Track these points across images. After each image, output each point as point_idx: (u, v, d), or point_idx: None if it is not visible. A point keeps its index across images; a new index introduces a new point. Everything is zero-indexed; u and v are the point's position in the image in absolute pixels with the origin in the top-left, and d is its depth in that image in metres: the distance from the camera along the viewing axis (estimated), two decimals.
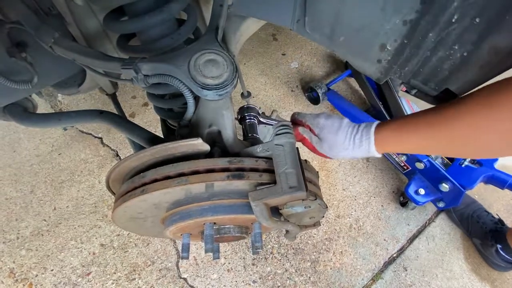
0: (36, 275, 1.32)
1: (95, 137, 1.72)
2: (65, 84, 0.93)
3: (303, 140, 0.71)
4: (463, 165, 1.35)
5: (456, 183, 1.28)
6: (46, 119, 0.85)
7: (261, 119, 0.65)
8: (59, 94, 1.83)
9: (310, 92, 1.80)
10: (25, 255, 1.36)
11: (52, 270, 1.33)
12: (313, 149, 0.70)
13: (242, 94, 1.21)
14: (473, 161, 1.38)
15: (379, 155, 0.63)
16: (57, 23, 0.67)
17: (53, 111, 1.69)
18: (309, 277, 1.37)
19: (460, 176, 1.31)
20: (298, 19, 0.85)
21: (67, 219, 1.45)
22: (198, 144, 0.53)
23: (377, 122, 0.64)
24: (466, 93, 0.52)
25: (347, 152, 0.64)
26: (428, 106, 0.71)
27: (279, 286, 1.34)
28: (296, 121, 0.72)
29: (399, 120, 0.60)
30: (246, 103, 0.69)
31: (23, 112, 0.86)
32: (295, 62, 2.06)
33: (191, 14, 0.68)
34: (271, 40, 2.16)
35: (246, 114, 0.64)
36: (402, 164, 1.48)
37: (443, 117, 0.51)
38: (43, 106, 1.78)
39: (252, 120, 0.63)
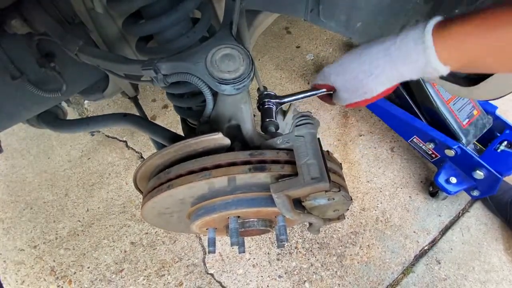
0: (75, 273, 1.40)
1: (120, 140, 1.80)
2: (91, 91, 0.98)
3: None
4: (498, 150, 1.26)
5: (492, 169, 1.20)
6: (76, 125, 0.90)
7: (280, 101, 0.63)
8: (85, 102, 1.93)
9: None
10: (63, 254, 1.45)
11: (88, 267, 1.41)
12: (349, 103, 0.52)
13: (258, 89, 1.21)
14: (509, 145, 1.28)
15: (445, 70, 0.38)
16: (81, 32, 0.70)
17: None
18: (336, 272, 1.34)
19: (496, 161, 1.22)
20: (312, 9, 0.83)
21: (99, 220, 1.53)
22: (219, 139, 0.53)
23: (435, 19, 0.40)
24: None
25: (381, 78, 0.42)
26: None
27: (305, 280, 1.33)
28: (317, 87, 0.59)
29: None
30: (264, 91, 0.68)
31: (55, 119, 0.91)
32: (310, 54, 2.02)
33: (205, 11, 0.69)
34: (285, 33, 2.13)
35: (265, 100, 0.64)
36: (430, 152, 1.40)
37: None
38: (71, 114, 1.89)
39: (270, 106, 0.62)
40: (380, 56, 0.42)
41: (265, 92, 0.64)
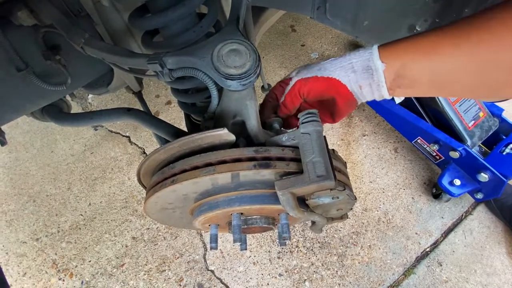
0: (76, 266, 1.41)
1: (123, 136, 1.80)
2: (95, 85, 0.97)
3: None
4: (504, 153, 1.25)
5: (496, 172, 1.19)
6: (80, 118, 0.90)
7: None
8: (89, 96, 1.93)
9: None
10: (65, 247, 1.46)
11: (89, 261, 1.42)
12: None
13: (262, 87, 1.20)
14: None
15: (382, 66, 0.48)
16: (86, 24, 0.70)
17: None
18: (337, 271, 1.34)
19: (501, 164, 1.21)
20: (318, 6, 0.83)
21: (101, 214, 1.54)
22: (224, 134, 0.53)
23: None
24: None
25: (335, 62, 0.53)
26: None
27: (305, 279, 1.33)
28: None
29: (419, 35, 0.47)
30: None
31: (59, 112, 0.91)
32: (315, 52, 2.01)
33: (211, 6, 0.68)
34: (290, 31, 2.12)
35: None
36: (434, 154, 1.39)
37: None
38: (75, 109, 1.89)
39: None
40: (337, 56, 0.55)
41: None
